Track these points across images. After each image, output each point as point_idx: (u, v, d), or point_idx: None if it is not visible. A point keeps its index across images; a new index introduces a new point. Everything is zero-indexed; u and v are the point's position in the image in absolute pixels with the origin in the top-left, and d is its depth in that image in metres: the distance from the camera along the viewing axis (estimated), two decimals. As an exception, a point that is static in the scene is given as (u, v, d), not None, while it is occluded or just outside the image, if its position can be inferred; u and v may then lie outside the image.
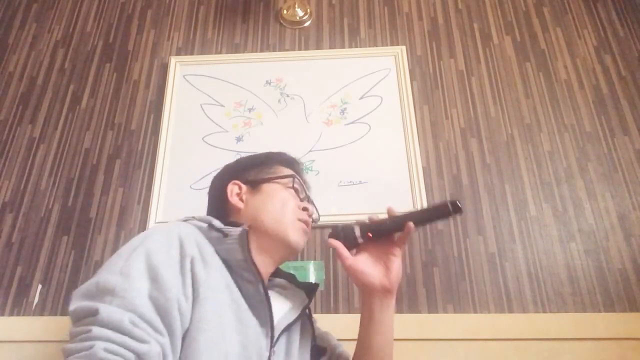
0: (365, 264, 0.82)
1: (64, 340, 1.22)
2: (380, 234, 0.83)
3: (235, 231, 0.74)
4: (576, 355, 1.12)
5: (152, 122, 1.50)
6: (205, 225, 0.76)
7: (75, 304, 0.59)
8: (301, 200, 0.91)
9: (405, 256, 1.27)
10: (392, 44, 1.60)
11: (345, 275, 1.25)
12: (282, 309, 0.83)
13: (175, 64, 1.57)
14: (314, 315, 0.97)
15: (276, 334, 0.76)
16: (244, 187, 0.89)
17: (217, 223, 0.77)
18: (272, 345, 0.73)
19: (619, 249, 1.26)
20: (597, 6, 1.65)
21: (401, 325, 1.14)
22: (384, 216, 0.84)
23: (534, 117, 1.46)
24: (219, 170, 0.96)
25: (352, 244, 0.83)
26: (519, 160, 1.39)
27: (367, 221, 0.85)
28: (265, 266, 0.83)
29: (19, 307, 1.26)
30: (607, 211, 1.31)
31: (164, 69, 1.59)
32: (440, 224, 1.31)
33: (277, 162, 0.93)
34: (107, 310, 0.56)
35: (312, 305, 1.20)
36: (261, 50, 1.62)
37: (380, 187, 1.35)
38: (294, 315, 0.82)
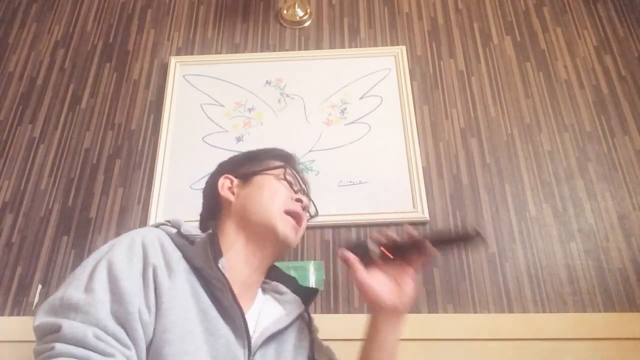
0: (377, 281, 0.77)
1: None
2: (398, 254, 0.78)
3: (201, 237, 0.72)
4: (576, 355, 1.12)
5: (152, 122, 1.50)
6: (174, 230, 0.74)
7: (39, 320, 0.59)
8: (295, 192, 0.88)
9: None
10: (392, 44, 1.60)
11: (345, 275, 1.25)
12: (272, 315, 0.80)
13: (175, 64, 1.57)
14: (314, 319, 0.94)
15: (257, 344, 0.72)
16: (235, 180, 0.87)
17: (185, 228, 0.74)
18: (250, 355, 0.70)
19: (619, 249, 1.26)
20: (597, 6, 1.65)
21: (401, 325, 1.15)
22: (390, 225, 0.81)
23: (534, 117, 1.46)
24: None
25: (366, 260, 0.78)
26: (519, 160, 1.39)
27: (383, 238, 0.79)
28: (256, 259, 0.80)
29: (19, 307, 1.26)
30: (607, 211, 1.31)
31: (164, 69, 1.59)
32: (440, 224, 1.30)
33: (270, 157, 0.91)
34: (70, 326, 0.56)
35: (312, 310, 1.20)
36: (261, 50, 1.62)
37: (380, 187, 1.35)
38: (284, 323, 0.79)
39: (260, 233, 0.81)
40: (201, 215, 0.92)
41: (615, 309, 1.19)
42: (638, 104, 1.46)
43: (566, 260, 1.25)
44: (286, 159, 0.92)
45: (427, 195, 1.33)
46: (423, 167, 1.37)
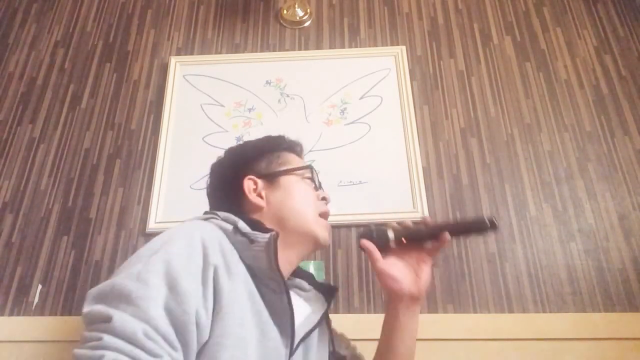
0: (396, 269, 0.79)
1: (64, 340, 1.22)
2: (415, 240, 0.81)
3: (263, 237, 0.70)
4: (576, 355, 1.12)
5: (152, 122, 1.50)
6: (230, 227, 0.72)
7: (89, 307, 0.57)
8: (316, 189, 0.88)
9: (405, 256, 1.27)
10: (392, 44, 1.60)
11: (345, 275, 1.25)
12: (302, 314, 0.80)
13: (175, 64, 1.57)
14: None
15: (296, 342, 0.72)
16: (259, 182, 0.85)
17: (242, 225, 0.72)
18: (291, 354, 0.70)
19: (619, 249, 1.26)
20: (597, 6, 1.65)
21: (401, 325, 1.15)
22: (417, 220, 0.83)
23: (534, 117, 1.46)
24: (221, 159, 0.92)
25: (383, 247, 0.81)
26: (519, 160, 1.39)
27: (399, 225, 0.82)
28: (290, 264, 0.81)
29: (19, 307, 1.26)
30: (607, 211, 1.31)
31: (164, 69, 1.59)
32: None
33: (283, 149, 0.91)
34: (121, 318, 0.54)
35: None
36: (261, 50, 1.62)
37: (380, 187, 1.35)
38: (314, 321, 0.79)
39: (299, 239, 0.81)
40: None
41: (615, 309, 1.19)
42: (638, 104, 1.46)
43: (566, 260, 1.25)
44: (295, 149, 0.93)
45: (427, 195, 1.33)
46: (423, 167, 1.37)
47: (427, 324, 1.16)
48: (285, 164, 0.88)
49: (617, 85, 1.50)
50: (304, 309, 0.82)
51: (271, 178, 0.86)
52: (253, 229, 0.73)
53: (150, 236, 1.26)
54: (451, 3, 1.68)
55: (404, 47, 1.57)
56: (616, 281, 1.22)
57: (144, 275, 0.58)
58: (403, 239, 0.81)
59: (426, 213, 1.30)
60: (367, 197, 1.34)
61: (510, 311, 1.19)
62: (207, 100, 1.52)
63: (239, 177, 0.85)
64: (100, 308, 0.56)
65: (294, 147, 0.93)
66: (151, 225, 1.32)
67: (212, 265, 0.63)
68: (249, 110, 1.50)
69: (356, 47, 1.61)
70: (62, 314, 1.24)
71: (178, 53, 1.62)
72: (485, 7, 1.67)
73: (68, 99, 1.56)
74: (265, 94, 1.52)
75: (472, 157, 1.40)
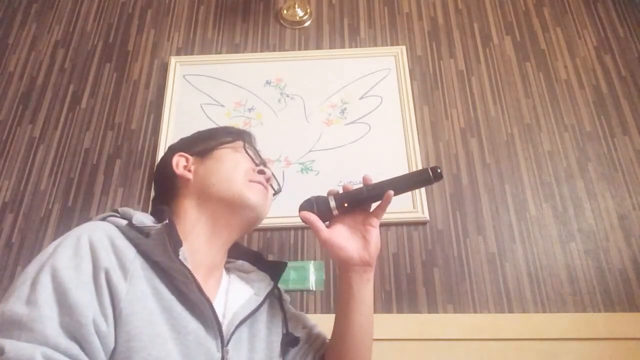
0: (342, 237, 0.77)
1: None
2: (357, 204, 0.78)
3: (155, 228, 0.66)
4: (576, 355, 1.12)
5: (152, 122, 1.50)
6: (124, 222, 0.68)
7: None
8: (257, 165, 0.84)
9: (405, 256, 1.27)
10: (392, 44, 1.60)
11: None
12: (241, 297, 0.77)
13: (175, 64, 1.57)
14: (283, 291, 0.91)
15: (229, 331, 0.70)
16: (190, 158, 0.82)
17: (138, 219, 0.68)
18: (224, 345, 0.68)
19: (619, 249, 1.26)
20: (597, 6, 1.65)
21: (401, 325, 1.15)
22: (359, 186, 0.80)
23: (534, 117, 1.46)
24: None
25: (326, 216, 0.78)
26: (519, 160, 1.39)
27: (341, 191, 0.80)
28: (224, 241, 0.77)
29: (19, 307, 1.26)
30: (607, 211, 1.31)
31: (164, 69, 1.59)
32: (440, 224, 1.31)
33: (225, 134, 0.87)
34: (14, 347, 0.50)
35: (312, 310, 1.20)
36: (261, 50, 1.62)
37: (380, 187, 1.35)
38: (255, 304, 0.76)
39: (226, 206, 0.76)
40: (154, 201, 0.86)
41: (615, 309, 1.19)
42: (638, 104, 1.46)
43: (566, 260, 1.25)
44: (241, 135, 0.89)
45: (427, 195, 1.33)
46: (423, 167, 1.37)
47: (427, 324, 1.17)
48: (224, 142, 0.85)
49: (617, 85, 1.50)
50: (244, 292, 0.78)
51: (204, 153, 0.82)
52: (157, 219, 0.69)
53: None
54: (451, 3, 1.68)
55: (404, 47, 1.57)
56: (616, 281, 1.22)
57: (32, 296, 0.55)
58: (345, 204, 0.78)
59: (426, 213, 1.30)
60: (367, 197, 1.33)
61: (510, 311, 1.19)
62: (207, 100, 1.52)
63: (171, 157, 0.83)
64: None
65: (239, 133, 0.89)
66: (151, 225, 1.32)
67: (103, 269, 0.59)
68: (249, 110, 1.50)
69: (356, 47, 1.61)
70: (62, 314, 1.23)
71: (178, 53, 1.62)
72: (485, 7, 1.67)
73: (68, 99, 1.56)
74: (265, 94, 1.52)
75: (472, 157, 1.40)
